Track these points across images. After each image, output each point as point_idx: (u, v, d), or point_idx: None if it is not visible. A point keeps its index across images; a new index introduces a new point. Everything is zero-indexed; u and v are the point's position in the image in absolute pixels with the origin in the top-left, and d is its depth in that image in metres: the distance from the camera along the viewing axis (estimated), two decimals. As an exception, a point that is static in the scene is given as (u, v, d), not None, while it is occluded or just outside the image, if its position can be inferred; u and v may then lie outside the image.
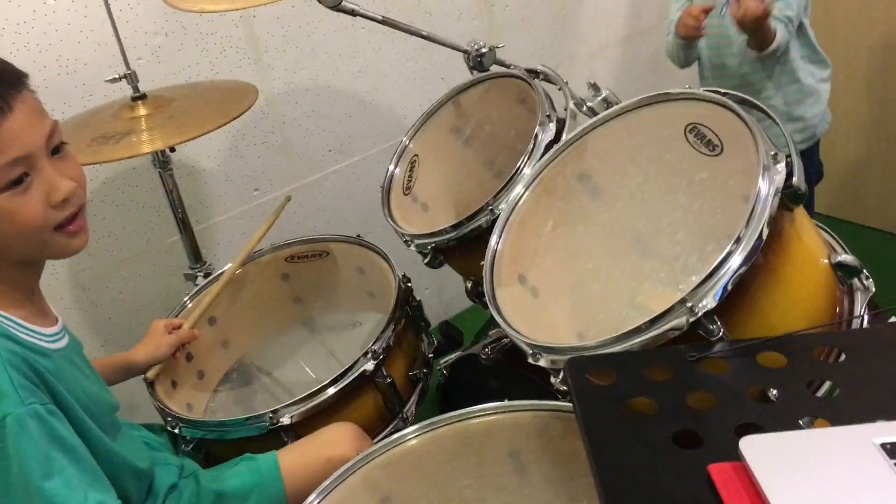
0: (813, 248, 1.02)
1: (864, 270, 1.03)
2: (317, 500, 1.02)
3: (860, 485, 0.67)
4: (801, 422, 0.79)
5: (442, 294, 2.50)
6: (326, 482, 1.05)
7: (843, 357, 0.87)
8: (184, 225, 1.71)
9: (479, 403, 1.11)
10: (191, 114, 1.54)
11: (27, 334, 1.00)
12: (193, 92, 1.69)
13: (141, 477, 1.16)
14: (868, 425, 0.74)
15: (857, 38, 2.31)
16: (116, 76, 1.58)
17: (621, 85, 2.72)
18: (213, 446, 1.35)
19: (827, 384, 0.84)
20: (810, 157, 1.94)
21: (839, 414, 0.78)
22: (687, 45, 1.89)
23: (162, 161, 1.63)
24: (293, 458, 1.24)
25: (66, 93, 1.76)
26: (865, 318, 1.00)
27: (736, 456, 0.73)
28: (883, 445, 0.70)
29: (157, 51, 1.85)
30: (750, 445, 0.73)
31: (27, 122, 0.93)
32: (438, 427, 1.11)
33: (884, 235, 2.45)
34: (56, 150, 0.98)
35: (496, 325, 1.64)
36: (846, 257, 1.02)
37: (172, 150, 1.63)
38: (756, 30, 1.65)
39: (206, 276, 1.70)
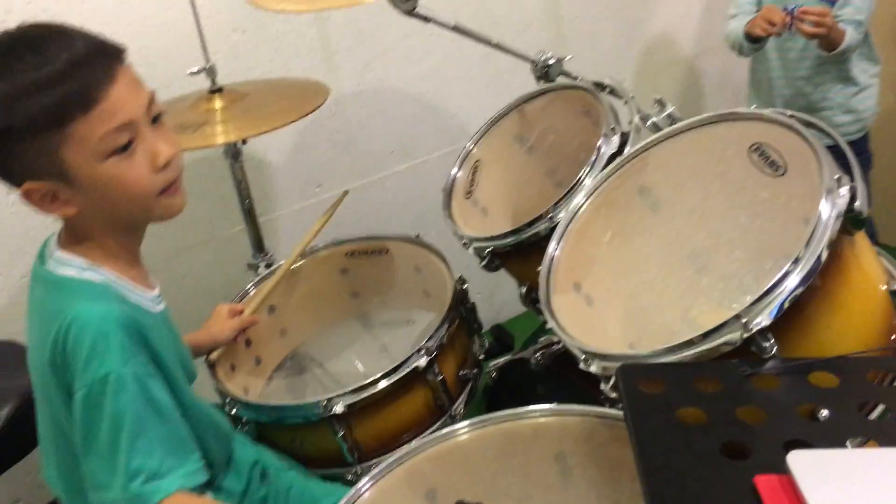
0: (871, 274, 1.02)
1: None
2: (367, 484, 1.06)
3: (907, 506, 0.68)
4: (848, 442, 0.80)
5: (493, 300, 2.52)
6: (377, 469, 1.08)
7: (896, 382, 0.87)
8: (249, 216, 1.77)
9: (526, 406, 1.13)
10: (264, 108, 1.59)
11: (136, 296, 1.06)
12: (267, 87, 1.74)
13: (223, 440, 1.21)
14: (918, 449, 0.75)
15: None
16: (196, 69, 1.64)
17: (686, 102, 2.72)
18: (266, 429, 1.40)
19: (880, 408, 0.85)
20: (862, 146, 2.05)
21: (891, 438, 0.79)
22: (755, 42, 1.96)
23: (234, 153, 1.69)
24: None
25: (145, 83, 1.83)
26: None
27: (783, 470, 0.74)
28: (933, 470, 0.71)
29: (234, 47, 1.91)
30: (798, 460, 0.74)
31: (129, 90, 0.97)
32: (488, 425, 1.14)
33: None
34: (155, 120, 1.02)
35: (546, 332, 1.67)
36: (906, 284, 1.03)
37: (244, 142, 1.69)
38: (824, 38, 1.79)
39: (267, 266, 1.76)
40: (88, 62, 0.93)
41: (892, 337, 1.02)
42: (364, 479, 1.07)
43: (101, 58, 0.95)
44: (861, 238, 1.01)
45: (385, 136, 2.21)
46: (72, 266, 1.02)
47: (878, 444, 0.79)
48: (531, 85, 1.71)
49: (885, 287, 1.03)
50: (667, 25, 2.55)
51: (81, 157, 0.94)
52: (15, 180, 0.97)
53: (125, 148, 0.96)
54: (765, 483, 0.74)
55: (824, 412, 0.85)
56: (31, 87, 0.90)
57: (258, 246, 1.79)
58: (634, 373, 0.91)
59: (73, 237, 1.04)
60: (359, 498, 1.08)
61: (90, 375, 0.96)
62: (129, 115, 0.95)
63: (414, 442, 1.14)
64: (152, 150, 0.99)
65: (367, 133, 2.18)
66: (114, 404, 0.96)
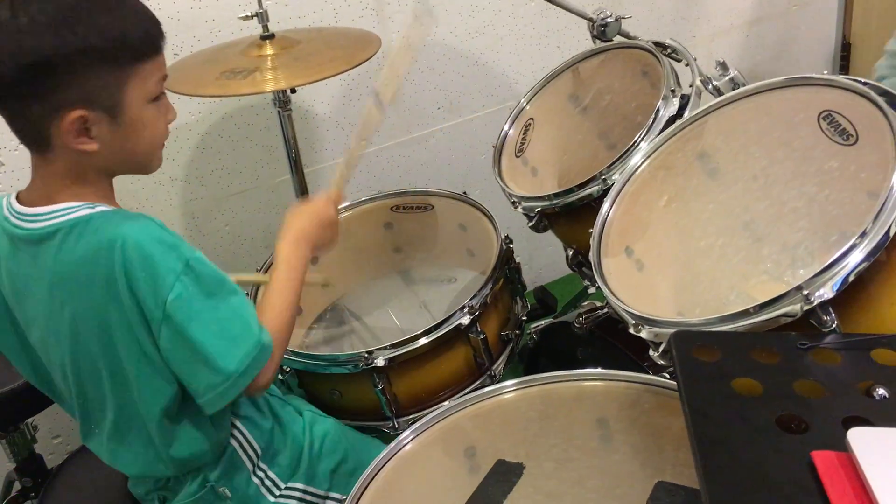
0: (940, 251, 0.98)
1: None
2: (409, 437, 1.06)
3: (973, 490, 0.66)
4: (911, 422, 0.78)
5: (531, 262, 2.51)
6: (419, 423, 1.08)
7: (963, 363, 0.84)
8: (296, 165, 1.76)
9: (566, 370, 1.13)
10: (315, 57, 1.57)
11: None
12: (319, 36, 1.72)
13: None
14: (985, 432, 0.72)
15: None
16: (249, 14, 1.62)
17: (742, 70, 2.65)
18: (306, 378, 1.41)
19: (944, 389, 0.82)
20: None
21: (954, 419, 0.77)
22: None
23: (282, 101, 1.68)
24: None
25: (195, 27, 1.82)
26: None
27: (841, 446, 0.72)
28: None
29: (286, -6, 1.89)
30: (858, 437, 0.72)
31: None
32: (530, 385, 1.13)
33: None
34: None
35: (588, 296, 1.65)
36: (974, 264, 0.99)
37: (293, 91, 1.67)
38: None
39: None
40: (150, 13, 1.02)
41: (957, 317, 0.98)
42: (406, 432, 1.08)
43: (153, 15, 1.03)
44: (931, 214, 0.98)
45: (432, 92, 2.18)
46: (79, 208, 1.01)
47: (941, 425, 0.77)
48: (583, 45, 1.67)
49: (952, 265, 0.99)
50: (725, -10, 2.48)
51: (138, 95, 1.00)
52: (61, 107, 0.96)
53: (158, 98, 1.05)
54: (822, 459, 0.72)
55: (881, 390, 0.82)
56: (122, 18, 0.97)
57: (303, 196, 1.78)
58: (689, 340, 0.89)
59: (65, 185, 1.03)
60: (400, 450, 1.08)
61: (174, 271, 0.98)
62: (165, 69, 1.06)
63: (455, 399, 1.13)
64: (168, 107, 1.08)
65: (415, 88, 2.15)
66: (206, 275, 1.01)
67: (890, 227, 0.88)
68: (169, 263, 0.98)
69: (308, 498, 1.26)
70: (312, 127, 2.06)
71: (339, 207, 1.67)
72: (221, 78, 1.50)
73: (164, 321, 0.99)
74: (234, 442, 1.19)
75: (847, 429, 0.73)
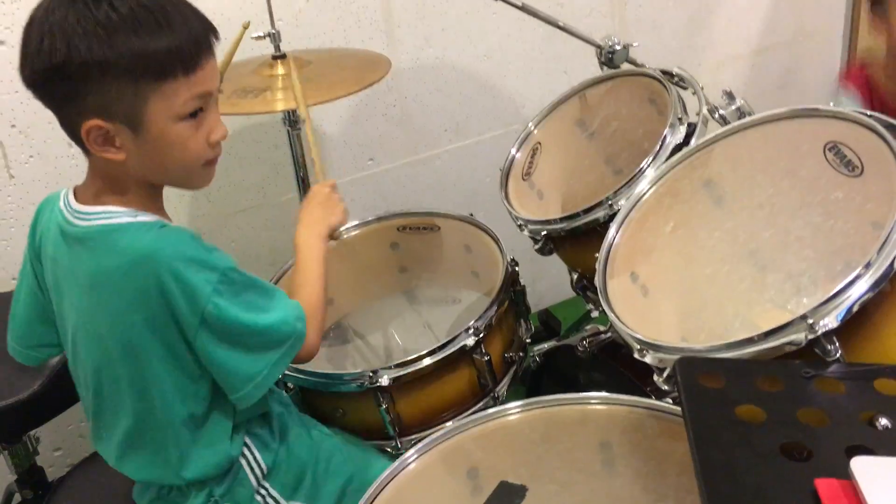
0: (943, 283, 0.99)
1: None
2: (413, 457, 1.07)
3: (975, 521, 0.66)
4: (913, 452, 0.78)
5: (535, 286, 2.51)
6: (422, 444, 1.09)
7: (965, 395, 0.85)
8: (303, 184, 1.77)
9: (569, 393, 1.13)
10: (326, 78, 1.59)
11: None
12: (329, 57, 1.74)
13: None
14: None
15: None
16: (262, 34, 1.64)
17: (747, 99, 2.67)
18: (310, 397, 1.41)
19: (946, 420, 0.83)
20: None
21: (956, 450, 0.77)
22: None
23: (292, 120, 1.70)
24: None
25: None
26: None
27: (844, 475, 0.73)
28: None
29: (297, 14, 1.92)
30: (861, 466, 0.72)
31: (215, 65, 1.05)
32: (534, 408, 1.14)
33: None
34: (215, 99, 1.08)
35: (590, 320, 1.66)
36: (977, 296, 1.00)
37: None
38: None
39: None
40: (196, 29, 1.00)
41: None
42: (409, 452, 1.08)
43: (206, 30, 1.02)
44: (935, 246, 0.99)
45: (439, 114, 2.20)
46: (120, 214, 1.04)
47: (943, 456, 0.77)
48: (590, 71, 1.69)
49: (955, 297, 1.00)
50: (731, 20, 2.51)
51: (162, 113, 0.99)
52: (82, 113, 0.98)
53: (195, 115, 1.02)
54: (825, 487, 0.73)
55: (883, 420, 0.83)
56: (146, 31, 0.95)
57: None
58: (694, 366, 0.90)
59: (108, 189, 1.06)
60: (404, 468, 1.08)
61: (209, 282, 1.00)
62: (211, 86, 1.04)
63: (459, 420, 1.14)
64: (212, 125, 1.05)
65: (423, 110, 2.17)
66: (243, 281, 1.05)
67: (894, 258, 0.89)
68: (204, 276, 1.01)
69: None
70: (320, 146, 2.08)
71: (347, 226, 1.69)
72: (233, 96, 1.52)
73: (200, 328, 1.02)
74: (241, 459, 1.20)
75: (850, 457, 0.74)
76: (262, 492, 1.22)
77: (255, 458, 1.21)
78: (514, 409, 1.12)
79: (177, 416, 1.10)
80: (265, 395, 1.19)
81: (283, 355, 1.10)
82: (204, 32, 1.01)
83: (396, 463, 1.08)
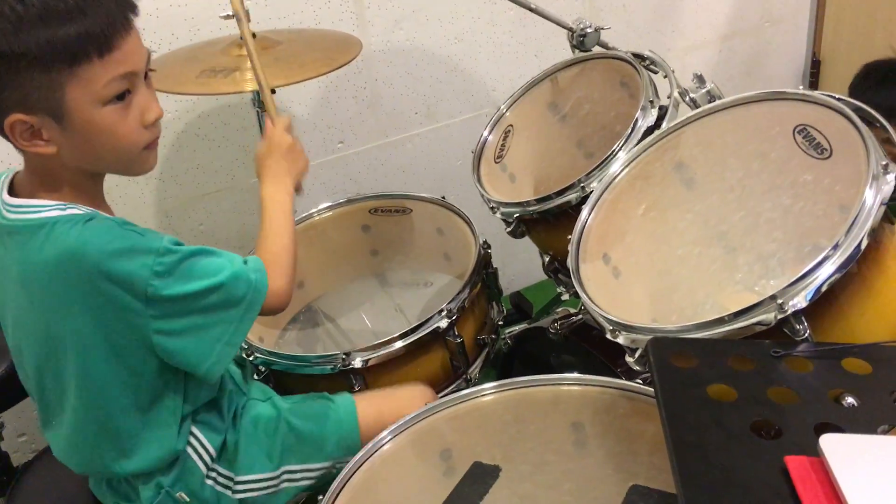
0: (908, 264, 1.01)
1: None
2: (387, 438, 1.08)
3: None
4: (879, 429, 0.80)
5: (505, 269, 2.51)
6: (397, 424, 1.09)
7: (929, 373, 0.87)
8: (273, 167, 1.75)
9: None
10: (296, 59, 1.57)
11: None
12: (299, 38, 1.72)
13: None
14: (951, 440, 0.74)
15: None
16: (230, 14, 1.61)
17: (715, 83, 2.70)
18: (283, 379, 1.41)
19: (909, 396, 0.84)
20: None
21: (921, 427, 0.79)
22: None
23: (261, 101, 1.67)
24: (369, 410, 1.28)
25: (174, 24, 1.81)
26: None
27: (813, 452, 0.74)
28: (968, 462, 0.71)
29: (265, -7, 1.89)
30: (830, 443, 0.74)
31: (138, 43, 1.01)
32: (507, 389, 1.15)
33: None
34: (145, 76, 1.05)
35: (561, 303, 1.67)
36: (940, 278, 1.02)
37: (273, 91, 1.66)
38: None
39: (288, 217, 1.75)
40: (110, 9, 0.96)
41: (923, 329, 1.01)
42: (383, 434, 1.08)
43: (121, 8, 0.98)
44: (900, 227, 1.01)
45: (410, 97, 2.19)
46: (49, 208, 1.01)
47: (906, 433, 0.79)
48: (560, 54, 1.69)
49: (919, 278, 1.02)
50: (699, 5, 2.52)
51: (82, 99, 0.96)
52: (1, 109, 0.95)
53: (122, 97, 0.99)
54: (795, 464, 0.74)
55: (849, 398, 0.84)
56: (54, 19, 0.91)
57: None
58: (666, 346, 0.91)
59: (42, 182, 1.04)
60: (377, 451, 1.08)
61: (145, 266, 0.98)
62: (135, 66, 1.00)
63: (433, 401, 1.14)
64: (144, 106, 1.03)
65: (393, 92, 2.16)
66: (184, 251, 1.02)
67: (861, 240, 0.90)
68: (138, 261, 0.98)
69: (261, 484, 1.25)
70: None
71: (319, 209, 1.68)
72: (202, 76, 1.49)
73: (149, 312, 1.00)
74: (188, 448, 1.18)
75: (819, 435, 0.75)
76: (213, 474, 1.21)
77: (202, 444, 1.20)
78: (487, 391, 1.13)
79: (119, 410, 1.08)
80: (217, 382, 1.19)
81: (245, 311, 1.07)
82: (119, 10, 0.97)
83: (370, 445, 1.08)
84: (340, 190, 2.13)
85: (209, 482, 1.20)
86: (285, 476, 1.25)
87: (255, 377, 1.39)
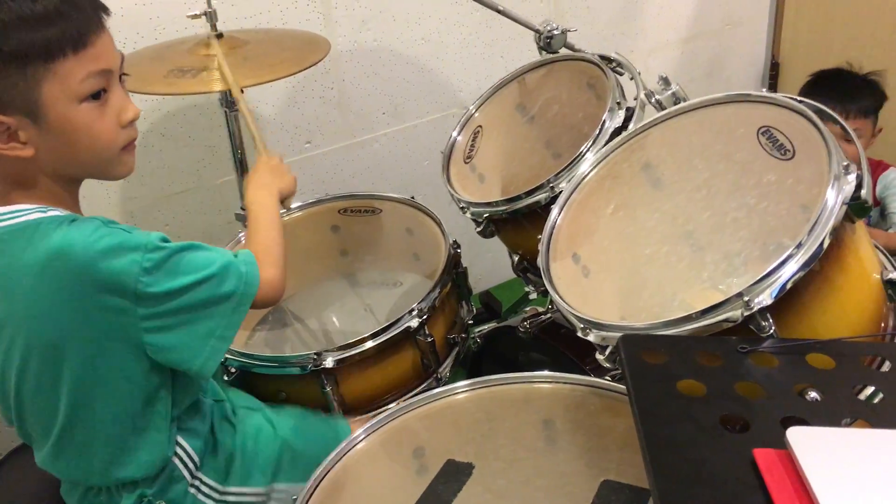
0: (867, 262, 1.04)
1: (914, 290, 1.06)
2: (362, 436, 1.08)
3: (900, 483, 0.70)
4: (843, 421, 0.83)
5: (472, 269, 2.52)
6: (370, 423, 1.10)
7: (888, 367, 0.90)
8: (241, 165, 1.75)
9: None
10: (264, 58, 1.57)
11: None
12: (267, 37, 1.72)
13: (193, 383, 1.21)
14: (912, 431, 0.77)
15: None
16: (197, 13, 1.61)
17: (677, 85, 2.75)
18: (252, 380, 1.40)
19: (870, 390, 0.87)
20: None
21: (881, 419, 0.82)
22: None
23: (229, 101, 1.67)
24: None
25: (139, 23, 1.79)
26: (910, 335, 1.04)
27: (780, 444, 0.76)
28: (925, 452, 0.74)
29: (232, -7, 1.88)
30: (797, 435, 0.76)
31: (111, 43, 1.01)
32: (480, 387, 1.16)
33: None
34: (121, 80, 1.05)
35: (529, 302, 1.69)
36: (898, 275, 1.06)
37: (241, 91, 1.66)
38: None
39: (256, 217, 1.74)
40: (83, 7, 0.97)
41: (882, 324, 1.05)
42: (357, 432, 1.09)
43: (94, 7, 0.99)
44: (860, 226, 1.04)
45: (377, 97, 2.20)
46: (29, 212, 1.00)
47: (869, 425, 0.82)
48: (527, 56, 1.71)
49: (878, 276, 1.05)
50: (662, 7, 2.56)
51: (58, 96, 0.96)
52: None
53: (98, 96, 0.99)
54: (763, 456, 0.76)
55: (812, 393, 0.87)
56: (28, 16, 0.92)
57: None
58: (637, 343, 0.92)
59: (18, 187, 1.02)
60: (350, 450, 1.09)
61: (135, 263, 0.97)
62: (109, 63, 1.00)
63: (406, 399, 1.15)
64: (120, 106, 1.03)
65: (360, 93, 2.16)
66: (172, 247, 1.02)
67: (824, 239, 0.93)
68: (126, 259, 0.97)
69: (248, 498, 1.25)
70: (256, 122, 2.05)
71: (289, 209, 1.67)
72: (170, 76, 1.48)
73: (139, 310, 0.99)
74: (174, 458, 1.17)
75: (785, 428, 0.77)
76: (196, 482, 1.20)
77: (187, 452, 1.19)
78: (460, 389, 1.14)
79: (111, 416, 1.07)
80: (200, 383, 1.19)
81: (237, 304, 1.07)
82: (92, 10, 0.98)
83: (343, 444, 1.09)
84: (308, 191, 2.12)
85: (192, 490, 1.19)
86: (274, 494, 1.26)
87: (225, 378, 1.38)
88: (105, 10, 1.01)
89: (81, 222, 0.99)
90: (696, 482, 0.75)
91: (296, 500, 1.02)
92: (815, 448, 0.75)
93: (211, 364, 1.07)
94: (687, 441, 0.80)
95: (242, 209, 1.78)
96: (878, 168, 2.09)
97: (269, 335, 1.68)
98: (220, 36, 1.61)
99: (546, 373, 1.14)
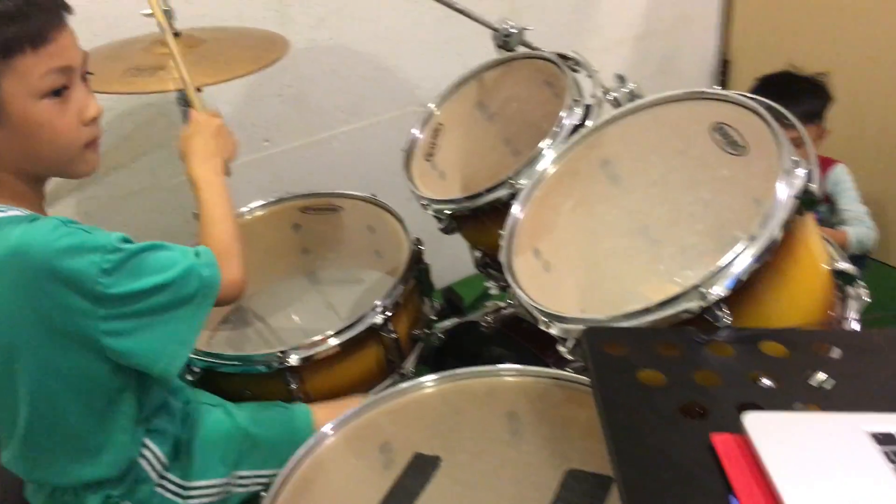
0: (817, 253, 1.09)
1: (860, 280, 1.10)
2: (328, 434, 1.10)
3: (851, 464, 0.74)
4: (794, 405, 0.86)
5: (432, 266, 2.54)
6: (340, 418, 1.11)
7: (839, 354, 0.94)
8: (199, 164, 1.73)
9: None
10: (223, 56, 1.57)
11: None
12: (224, 35, 1.71)
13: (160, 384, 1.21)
14: (860, 414, 0.81)
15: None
16: (150, 12, 1.59)
17: (631, 82, 2.79)
18: (216, 379, 1.40)
19: (821, 376, 0.91)
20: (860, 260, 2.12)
21: (832, 403, 0.85)
22: None
23: (187, 100, 1.65)
24: (326, 420, 1.29)
25: (93, 21, 1.77)
26: (857, 323, 1.08)
27: (737, 429, 0.79)
28: (874, 434, 0.77)
29: (187, -10, 1.87)
30: (752, 420, 0.79)
31: (73, 40, 1.02)
32: (446, 382, 1.18)
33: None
34: (84, 79, 1.05)
35: (489, 298, 1.71)
36: (845, 265, 1.10)
37: (199, 90, 1.65)
38: None
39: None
40: (41, 5, 0.96)
41: (831, 312, 1.09)
42: (324, 429, 1.10)
43: (55, 4, 0.99)
44: (809, 219, 1.08)
45: (335, 95, 2.20)
46: None
47: (820, 409, 0.85)
48: (482, 53, 1.73)
49: (826, 266, 1.09)
50: (615, 5, 2.60)
51: (19, 92, 0.96)
52: None
53: (59, 92, 0.99)
54: (721, 441, 0.79)
55: (766, 380, 0.90)
56: None
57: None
58: (599, 335, 0.95)
59: None
60: (317, 446, 1.10)
61: (94, 264, 0.96)
62: (71, 60, 1.00)
63: (373, 394, 1.16)
64: (83, 103, 1.03)
65: (318, 91, 2.16)
66: (133, 247, 1.02)
67: (776, 232, 0.97)
68: (86, 259, 0.96)
69: (212, 490, 1.25)
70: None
71: (250, 207, 1.68)
72: (127, 75, 1.47)
73: (99, 312, 0.99)
74: (141, 459, 1.17)
75: (741, 413, 0.80)
76: (164, 482, 1.20)
77: (154, 454, 1.19)
78: (426, 384, 1.15)
79: (74, 416, 1.07)
80: (164, 384, 1.18)
81: (196, 308, 1.07)
82: (52, 7, 0.98)
83: (312, 441, 1.10)
84: (266, 189, 2.11)
85: (159, 490, 1.19)
86: (237, 481, 1.26)
87: (189, 378, 1.38)
88: (66, 7, 1.00)
89: (41, 221, 0.98)
90: (657, 467, 0.78)
91: (264, 495, 1.02)
92: (770, 432, 0.78)
93: (173, 367, 1.07)
94: (648, 428, 0.82)
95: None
96: (825, 165, 2.16)
97: (231, 335, 1.68)
98: (177, 34, 1.60)
99: (509, 366, 1.17)
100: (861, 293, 1.11)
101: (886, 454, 0.74)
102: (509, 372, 1.17)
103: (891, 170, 2.45)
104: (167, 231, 2.02)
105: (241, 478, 1.27)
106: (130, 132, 1.91)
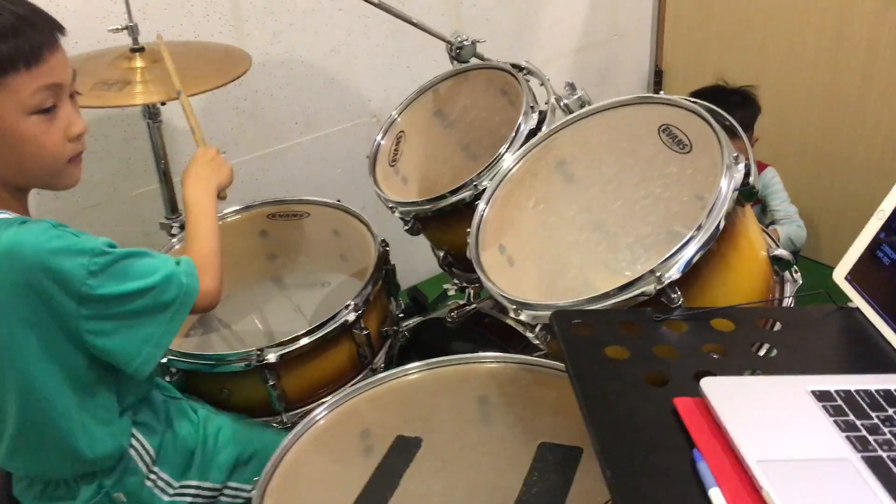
0: (756, 241, 1.20)
1: (795, 265, 1.22)
2: (312, 423, 1.17)
3: (796, 417, 0.84)
4: (745, 373, 0.96)
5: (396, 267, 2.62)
6: (318, 410, 1.18)
7: (780, 327, 1.05)
8: (165, 176, 1.78)
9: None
10: (188, 71, 1.61)
11: None
12: (186, 51, 1.76)
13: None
14: (802, 376, 0.91)
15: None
16: (119, 27, 1.64)
17: (573, 92, 2.92)
18: (195, 379, 1.45)
19: (766, 346, 1.02)
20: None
21: (776, 369, 0.96)
22: None
23: (152, 113, 1.70)
24: None
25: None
26: (792, 302, 1.20)
27: (695, 393, 0.89)
28: (813, 392, 0.88)
29: (143, 7, 1.91)
30: (708, 385, 0.88)
31: (64, 60, 1.07)
32: (423, 370, 1.26)
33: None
34: (72, 96, 1.10)
35: (449, 298, 1.79)
36: (781, 252, 1.22)
37: (163, 103, 1.70)
38: None
39: (181, 227, 1.77)
40: (37, 25, 1.02)
41: (771, 294, 1.20)
42: (320, 409, 1.17)
43: (48, 25, 1.04)
44: (748, 210, 1.19)
45: (290, 108, 2.26)
46: None
47: (766, 374, 0.96)
48: (433, 65, 1.81)
49: (765, 253, 1.21)
50: (554, 20, 2.72)
51: (9, 108, 1.01)
52: None
53: (48, 110, 1.04)
54: (682, 404, 0.88)
55: (716, 353, 1.00)
56: None
57: (173, 207, 1.80)
58: (567, 317, 1.04)
59: None
60: (303, 435, 1.17)
61: (81, 266, 1.01)
62: (60, 78, 1.05)
63: (352, 385, 1.24)
64: (69, 120, 1.08)
65: (273, 103, 2.22)
66: (118, 253, 1.07)
67: (719, 222, 1.08)
68: (75, 261, 1.02)
69: (203, 493, 1.30)
70: (170, 140, 2.06)
71: (219, 215, 1.72)
72: (96, 89, 1.51)
73: (81, 312, 1.04)
74: (130, 449, 1.22)
75: (698, 380, 0.90)
76: (153, 476, 1.25)
77: (142, 445, 1.24)
78: (412, 370, 1.25)
79: (59, 411, 1.11)
80: (149, 377, 1.23)
81: (174, 313, 1.13)
82: (47, 28, 1.04)
83: (299, 428, 1.16)
84: (236, 200, 2.15)
85: (148, 483, 1.24)
86: (226, 491, 1.32)
87: (167, 379, 1.42)
88: (60, 28, 1.06)
89: (32, 224, 1.03)
90: (627, 429, 0.86)
91: (243, 488, 1.09)
92: (725, 393, 0.87)
93: (146, 367, 1.13)
94: (617, 396, 0.91)
95: (167, 218, 1.82)
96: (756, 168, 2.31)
97: (201, 340, 1.71)
98: (141, 49, 1.64)
99: (481, 353, 1.25)
100: (796, 277, 1.23)
101: (825, 408, 0.84)
102: (481, 359, 1.25)
103: (814, 171, 2.63)
104: (128, 242, 2.02)
105: (232, 489, 1.33)
106: (89, 145, 1.91)
